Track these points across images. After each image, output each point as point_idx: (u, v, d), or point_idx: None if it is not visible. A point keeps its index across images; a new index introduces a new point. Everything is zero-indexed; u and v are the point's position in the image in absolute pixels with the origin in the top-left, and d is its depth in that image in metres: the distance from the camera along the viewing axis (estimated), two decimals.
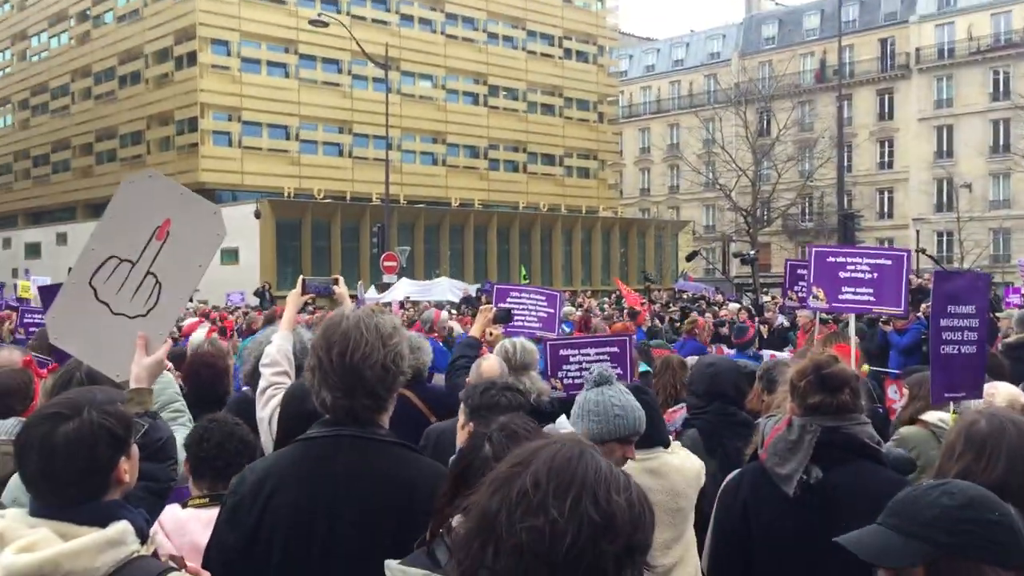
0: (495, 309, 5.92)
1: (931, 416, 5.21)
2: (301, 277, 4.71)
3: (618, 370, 5.57)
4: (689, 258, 25.01)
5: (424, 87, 53.76)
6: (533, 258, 51.37)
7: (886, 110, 58.47)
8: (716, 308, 18.62)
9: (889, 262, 6.30)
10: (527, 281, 21.95)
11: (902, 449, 5.28)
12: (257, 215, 41.96)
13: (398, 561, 1.84)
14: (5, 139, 60.37)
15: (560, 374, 5.52)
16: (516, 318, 7.21)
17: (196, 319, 12.92)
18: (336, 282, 5.00)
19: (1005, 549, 1.68)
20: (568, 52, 59.88)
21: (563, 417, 3.15)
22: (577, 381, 5.34)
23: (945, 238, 51.53)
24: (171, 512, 3.23)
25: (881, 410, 6.73)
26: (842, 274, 6.35)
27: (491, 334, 5.83)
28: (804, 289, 8.77)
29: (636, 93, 71.83)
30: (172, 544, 3.06)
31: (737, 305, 18.54)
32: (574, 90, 59.81)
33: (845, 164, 48.85)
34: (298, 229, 44.26)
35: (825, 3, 59.98)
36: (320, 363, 2.30)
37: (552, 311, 7.34)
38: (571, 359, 5.54)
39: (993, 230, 51.64)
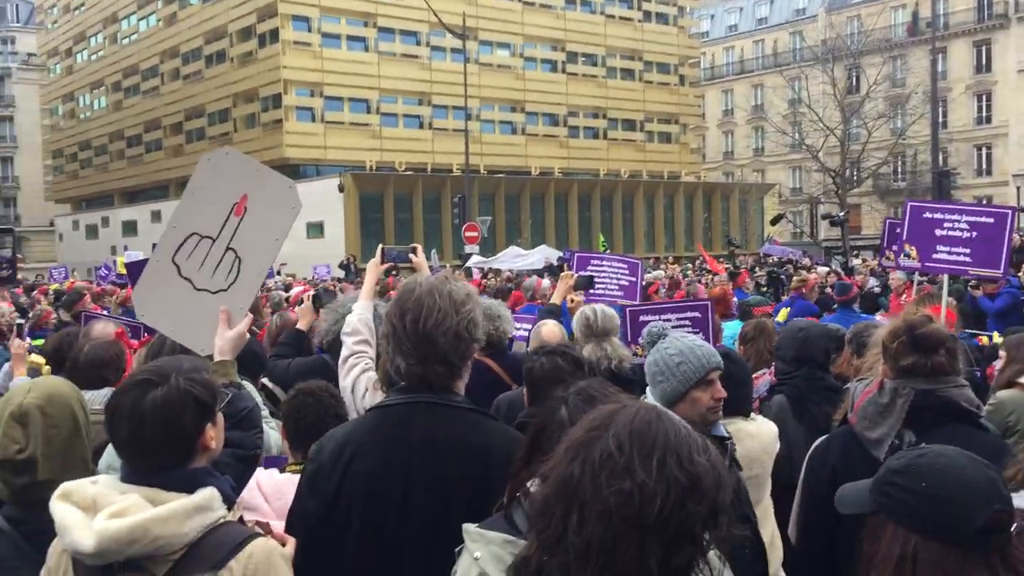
0: (576, 276, 5.89)
1: None
2: (380, 246, 4.75)
3: (700, 335, 5.49)
4: (774, 221, 24.42)
5: (502, 56, 53.53)
6: (615, 225, 50.93)
7: (983, 62, 55.87)
8: (804, 272, 18.20)
9: (991, 220, 5.97)
10: (606, 249, 21.81)
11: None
12: (340, 189, 42.62)
13: (476, 525, 1.84)
14: (100, 120, 62.48)
15: (641, 340, 5.47)
16: (597, 286, 7.18)
17: (302, 287, 13.27)
18: (415, 251, 5.04)
19: (923, 517, 1.63)
20: (647, 15, 58.78)
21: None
22: None
23: None
24: (269, 476, 3.32)
25: (979, 374, 6.48)
26: (938, 232, 6.07)
27: (572, 300, 5.79)
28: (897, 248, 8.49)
29: (719, 54, 70.20)
30: (270, 506, 3.14)
31: (826, 268, 18.05)
32: (654, 53, 58.75)
33: (940, 120, 47.02)
34: (380, 202, 44.79)
35: None
36: (394, 330, 2.31)
37: (634, 279, 7.29)
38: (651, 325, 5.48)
39: None
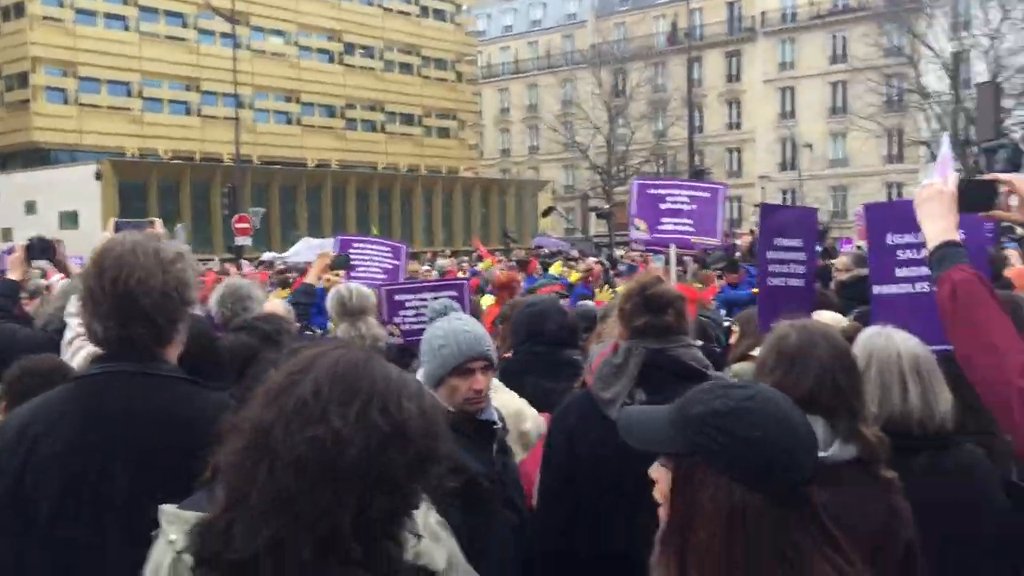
0: (334, 255, 5.70)
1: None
2: (113, 219, 4.37)
3: None
4: (545, 214, 25.19)
5: (276, 43, 51.89)
6: (393, 219, 50.75)
7: (734, 72, 60.47)
8: (574, 263, 18.89)
9: (707, 194, 6.47)
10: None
11: None
12: (98, 176, 39.69)
13: (176, 505, 1.66)
14: None
15: (397, 320, 5.39)
16: (359, 268, 7.02)
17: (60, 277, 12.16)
18: (152, 224, 4.67)
19: (746, 464, 1.46)
20: (425, 9, 59.02)
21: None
22: (415, 327, 5.22)
23: (789, 195, 53.99)
24: None
25: (719, 350, 6.92)
26: (662, 205, 6.49)
27: (327, 280, 5.61)
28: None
29: (495, 53, 71.60)
30: None
31: (594, 259, 18.80)
32: (431, 48, 59.08)
33: (696, 124, 50.49)
34: (143, 191, 42.12)
35: None
36: (91, 292, 2.07)
37: (397, 263, 7.18)
38: (407, 304, 5.40)
39: (832, 187, 54.47)
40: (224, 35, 45.23)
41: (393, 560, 1.43)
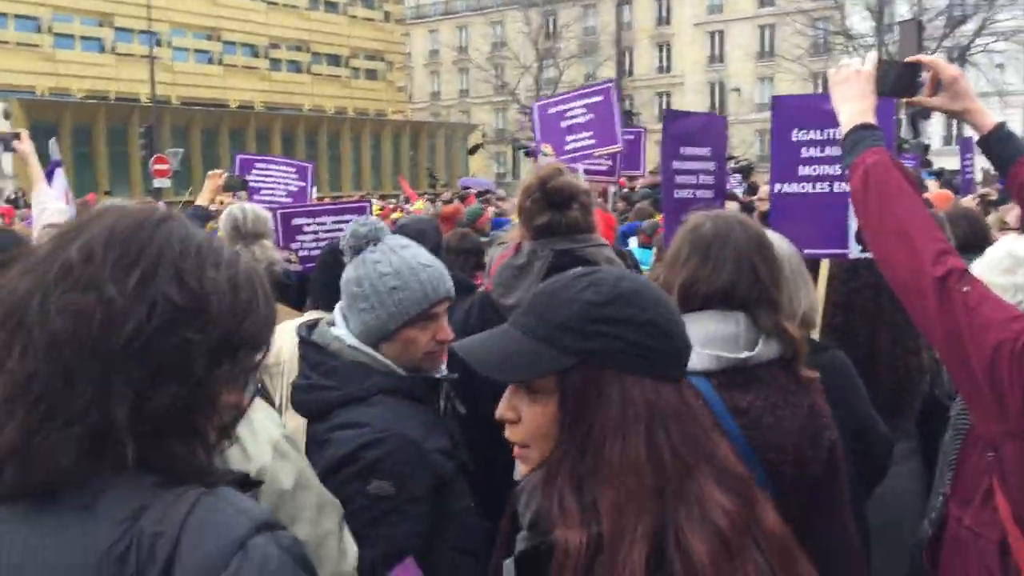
0: (225, 175, 5.38)
1: None
2: None
3: None
4: (472, 151, 24.82)
5: None
6: (320, 163, 49.61)
7: (663, 15, 60.25)
8: (500, 203, 18.75)
9: (599, 98, 6.13)
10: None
11: None
12: (6, 115, 37.87)
13: None
14: None
15: (295, 245, 5.15)
16: (262, 191, 6.74)
17: None
18: (18, 136, 4.35)
19: (650, 353, 1.29)
20: None
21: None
22: (313, 253, 5.00)
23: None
24: None
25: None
26: (563, 123, 6.21)
27: (220, 203, 5.32)
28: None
29: None
30: None
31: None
32: None
33: (625, 68, 50.20)
34: (55, 132, 40.34)
35: None
36: None
37: (303, 184, 6.91)
38: (306, 228, 5.17)
39: (759, 131, 55.01)
40: None
41: (187, 463, 1.14)
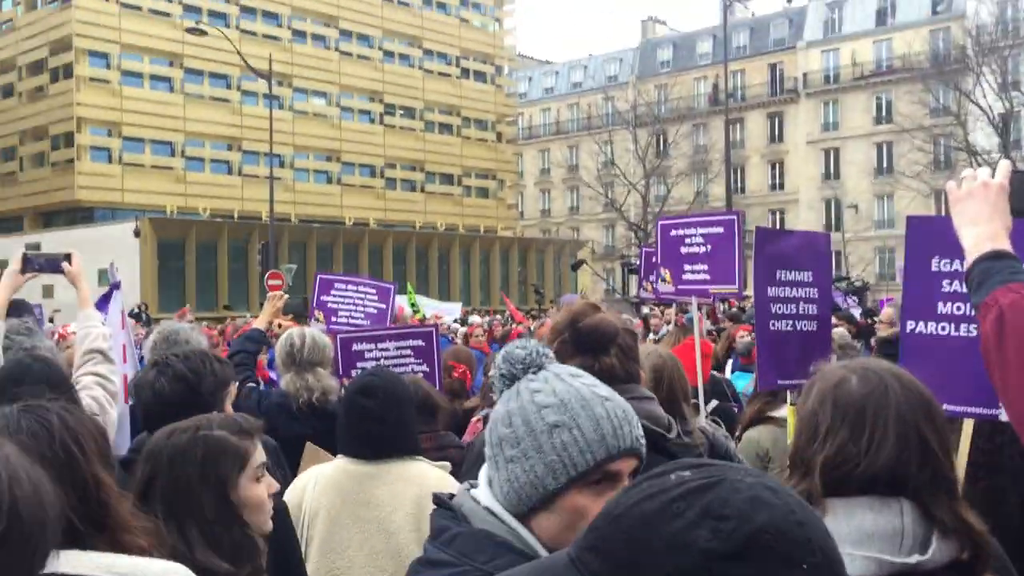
0: (286, 297, 5.07)
1: (785, 411, 4.56)
2: (23, 252, 3.85)
3: (424, 367, 4.84)
4: (575, 267, 24.50)
5: (318, 104, 52.52)
6: (430, 278, 50.48)
7: (776, 133, 59.86)
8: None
9: (720, 229, 5.41)
10: (412, 297, 21.14)
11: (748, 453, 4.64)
12: (136, 233, 40.01)
13: None
14: None
15: (354, 373, 4.76)
16: (340, 312, 6.44)
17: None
18: (68, 258, 4.13)
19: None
20: (465, 72, 59.51)
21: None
22: None
23: (833, 257, 52.92)
24: None
25: (737, 409, 6.16)
26: (683, 250, 5.53)
27: (279, 326, 5.00)
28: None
29: (536, 115, 71.88)
30: None
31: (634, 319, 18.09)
32: (472, 109, 59.43)
33: (737, 185, 49.71)
34: (182, 248, 42.37)
35: (717, 29, 61.16)
36: None
37: (384, 306, 6.57)
38: (367, 355, 4.77)
39: (878, 248, 53.18)
40: (268, 96, 45.95)
41: None
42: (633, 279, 44.79)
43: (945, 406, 2.15)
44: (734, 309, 15.72)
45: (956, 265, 2.57)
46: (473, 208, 58.92)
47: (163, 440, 2.20)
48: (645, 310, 18.83)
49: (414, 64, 56.67)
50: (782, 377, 3.49)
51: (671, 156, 49.87)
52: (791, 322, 3.50)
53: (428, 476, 3.07)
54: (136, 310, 31.34)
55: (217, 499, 2.12)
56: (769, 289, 3.39)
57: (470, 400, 5.54)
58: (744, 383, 7.07)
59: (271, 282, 30.68)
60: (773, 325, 3.42)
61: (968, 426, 2.48)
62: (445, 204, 57.32)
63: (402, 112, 55.98)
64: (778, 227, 58.39)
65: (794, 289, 3.50)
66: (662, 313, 17.36)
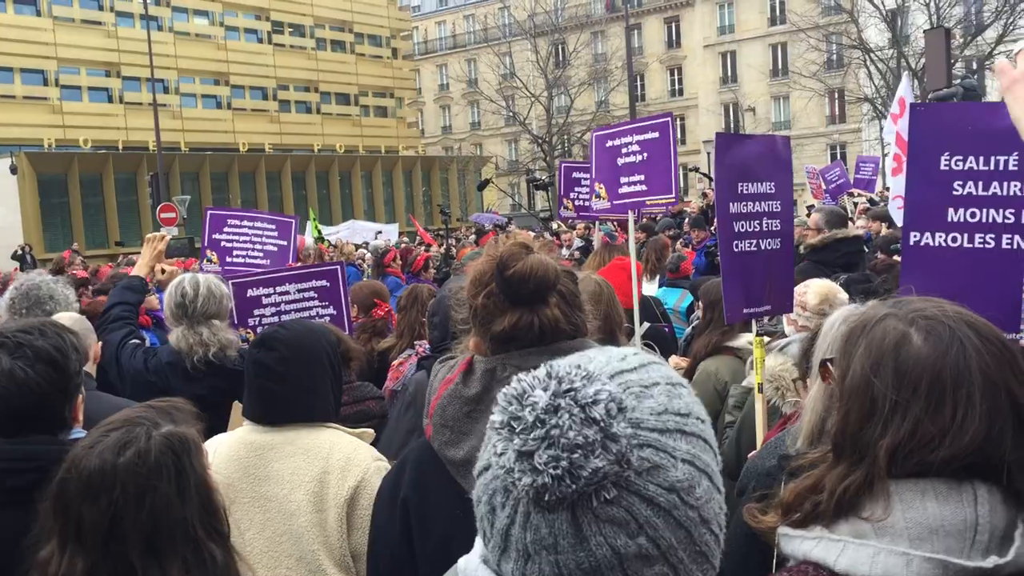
0: (168, 238, 4.45)
1: (744, 341, 4.20)
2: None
3: (331, 309, 4.36)
4: (480, 187, 24.02)
5: (200, 24, 49.71)
6: (332, 201, 49.19)
7: (673, 38, 59.61)
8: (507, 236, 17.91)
9: (656, 134, 4.90)
10: (315, 222, 20.39)
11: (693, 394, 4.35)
12: (13, 170, 37.54)
13: None
14: None
15: (251, 321, 4.25)
16: (235, 252, 5.85)
17: None
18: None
19: None
20: None
21: None
22: None
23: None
24: None
25: (668, 330, 5.86)
26: (619, 161, 5.04)
27: (163, 271, 4.41)
28: (584, 194, 7.69)
29: (431, 28, 69.83)
30: None
31: (532, 234, 17.74)
32: (365, 25, 57.24)
33: (637, 92, 49.46)
34: (64, 184, 40.03)
35: None
36: None
37: (285, 243, 5.99)
38: (264, 301, 4.25)
39: None
40: (144, 17, 43.15)
41: None
42: (540, 195, 44.50)
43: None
44: (645, 221, 15.48)
45: (971, 162, 2.18)
46: (372, 128, 57.29)
47: (111, 461, 1.69)
48: (554, 225, 18.51)
49: None
50: (748, 304, 3.11)
51: (572, 65, 49.15)
52: (755, 241, 3.11)
53: (338, 448, 2.63)
54: (20, 251, 29.60)
55: (202, 511, 1.69)
56: (731, 205, 2.97)
57: (385, 340, 5.08)
58: (673, 299, 6.80)
59: (164, 215, 29.31)
60: (737, 246, 3.01)
61: None
62: (343, 125, 55.54)
63: (291, 30, 53.51)
64: (679, 133, 58.60)
65: (756, 203, 3.08)
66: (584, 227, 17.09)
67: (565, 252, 13.35)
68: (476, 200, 53.71)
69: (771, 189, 3.07)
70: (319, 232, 24.40)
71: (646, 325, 5.26)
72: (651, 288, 7.48)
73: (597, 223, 8.34)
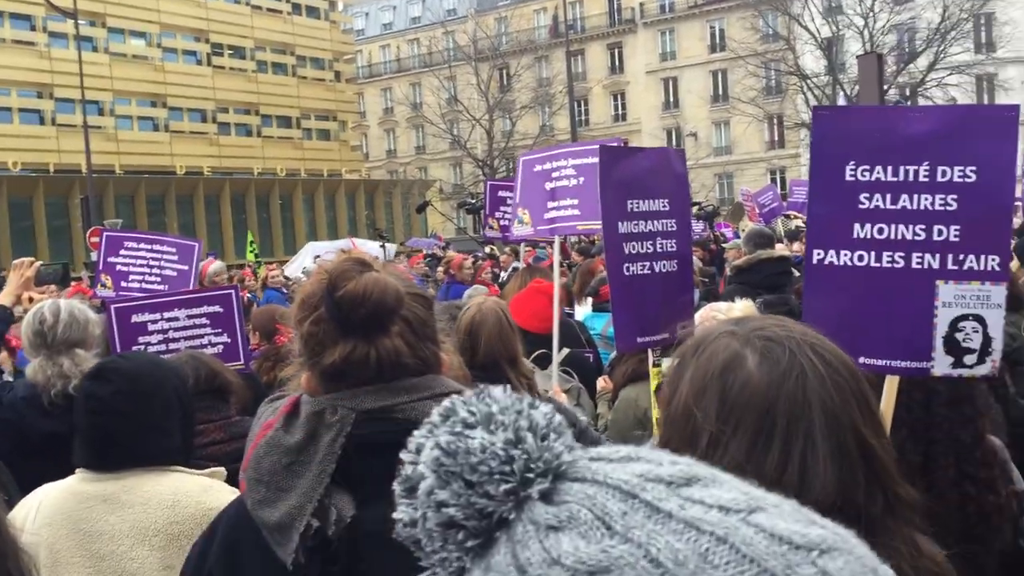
0: (37, 264, 4.07)
1: (666, 364, 3.98)
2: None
3: (224, 337, 4.02)
4: (419, 210, 23.74)
5: (137, 45, 48.80)
6: (273, 225, 48.45)
7: (616, 63, 60.16)
8: (439, 260, 17.73)
9: (593, 159, 4.54)
10: (254, 247, 19.88)
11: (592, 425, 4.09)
12: None
13: None
14: None
15: (136, 351, 3.89)
16: (132, 276, 5.48)
17: None
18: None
19: None
20: (297, 7, 56.61)
21: None
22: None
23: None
24: None
25: (592, 355, 5.60)
26: (548, 185, 4.79)
27: (28, 300, 4.03)
28: (509, 214, 7.45)
29: (375, 52, 69.56)
30: None
31: (471, 260, 17.46)
32: (306, 48, 56.77)
33: (581, 117, 49.65)
34: None
35: None
36: None
37: (185, 268, 5.61)
38: (151, 327, 3.90)
39: (718, 175, 54.62)
40: (79, 38, 42.21)
41: None
42: (471, 219, 44.30)
43: (862, 360, 1.60)
44: (583, 243, 15.31)
45: (879, 173, 1.93)
46: (315, 152, 56.69)
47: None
48: (487, 249, 18.27)
49: (241, 0, 53.42)
50: (642, 333, 2.84)
51: (514, 90, 49.26)
52: (647, 263, 2.84)
53: (185, 493, 2.31)
54: None
55: None
56: (620, 224, 2.70)
57: (290, 367, 4.75)
58: (601, 324, 6.55)
59: (92, 239, 28.42)
60: (628, 269, 2.75)
61: (891, 385, 1.90)
62: (284, 148, 54.85)
63: (231, 52, 52.80)
64: None
65: (649, 222, 2.81)
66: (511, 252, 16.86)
67: (504, 275, 13.09)
68: (420, 223, 53.32)
69: (665, 206, 2.81)
70: (256, 257, 23.85)
71: (565, 351, 5.02)
72: (585, 312, 7.25)
73: (523, 244, 8.09)
